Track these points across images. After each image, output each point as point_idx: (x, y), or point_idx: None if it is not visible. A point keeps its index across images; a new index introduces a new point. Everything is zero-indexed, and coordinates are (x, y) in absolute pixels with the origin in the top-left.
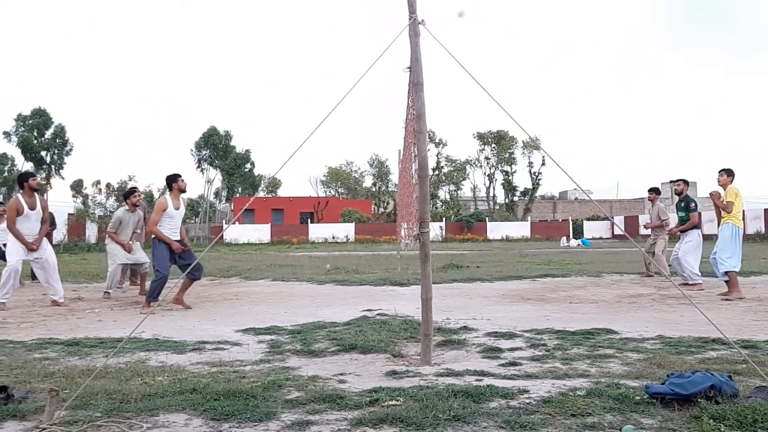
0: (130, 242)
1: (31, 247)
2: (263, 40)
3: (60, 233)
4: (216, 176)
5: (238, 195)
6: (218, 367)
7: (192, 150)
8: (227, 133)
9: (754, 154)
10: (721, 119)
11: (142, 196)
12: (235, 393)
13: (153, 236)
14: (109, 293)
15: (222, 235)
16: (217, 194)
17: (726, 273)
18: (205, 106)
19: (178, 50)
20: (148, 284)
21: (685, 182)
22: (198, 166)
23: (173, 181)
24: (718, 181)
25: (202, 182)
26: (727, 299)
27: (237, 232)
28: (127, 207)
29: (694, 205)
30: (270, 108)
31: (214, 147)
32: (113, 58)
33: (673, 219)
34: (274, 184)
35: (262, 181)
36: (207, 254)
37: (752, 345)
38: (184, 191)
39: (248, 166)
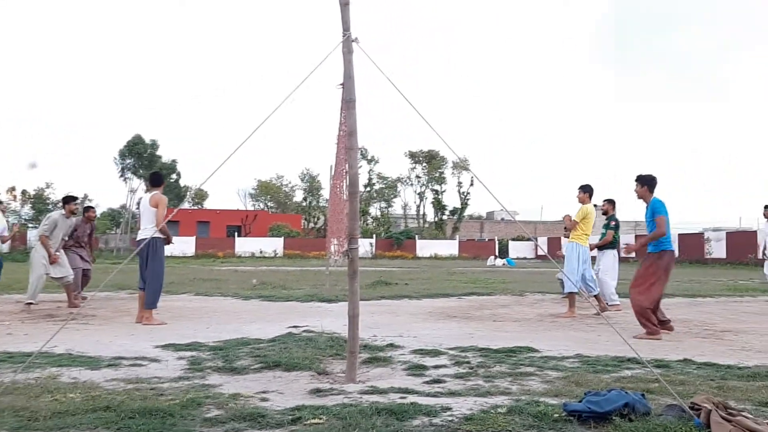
0: (58, 253)
1: None
2: (191, 49)
3: None
4: (140, 186)
5: (170, 205)
6: (134, 384)
7: (115, 158)
8: (153, 143)
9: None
10: (645, 142)
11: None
12: (151, 411)
13: (156, 238)
14: (31, 304)
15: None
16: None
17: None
18: (130, 114)
19: (101, 54)
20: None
21: (610, 202)
22: (121, 175)
23: (162, 180)
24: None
25: (125, 192)
26: (563, 317)
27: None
28: (64, 212)
29: (614, 224)
30: (199, 118)
31: (139, 156)
32: (29, 58)
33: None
34: (200, 195)
35: (188, 193)
36: (127, 267)
37: (665, 364)
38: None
39: (174, 176)
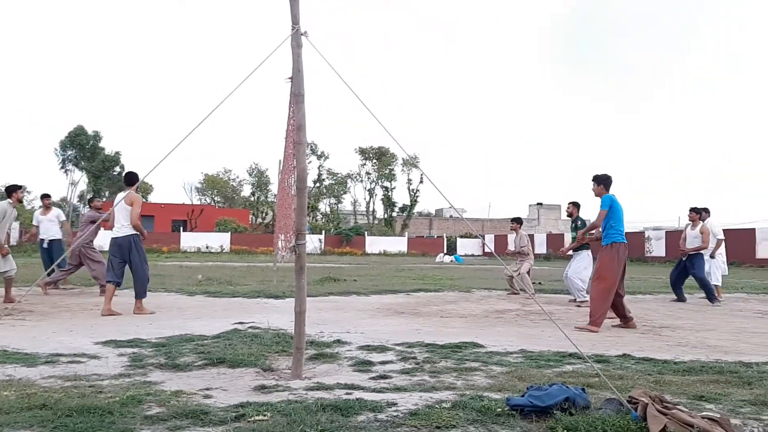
0: (6, 245)
1: None
2: (139, 40)
3: None
4: (82, 178)
5: (105, 199)
6: (73, 381)
7: (56, 149)
8: (96, 134)
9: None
10: (596, 145)
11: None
12: (89, 409)
13: (135, 234)
14: None
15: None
16: (81, 197)
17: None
18: (72, 104)
19: (38, 40)
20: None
21: (575, 204)
22: (62, 167)
23: (137, 180)
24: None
25: (66, 184)
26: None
27: (102, 239)
28: (11, 201)
29: (580, 224)
30: (145, 110)
31: (81, 147)
32: None
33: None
34: (144, 189)
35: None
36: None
37: (605, 360)
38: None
39: (117, 169)
